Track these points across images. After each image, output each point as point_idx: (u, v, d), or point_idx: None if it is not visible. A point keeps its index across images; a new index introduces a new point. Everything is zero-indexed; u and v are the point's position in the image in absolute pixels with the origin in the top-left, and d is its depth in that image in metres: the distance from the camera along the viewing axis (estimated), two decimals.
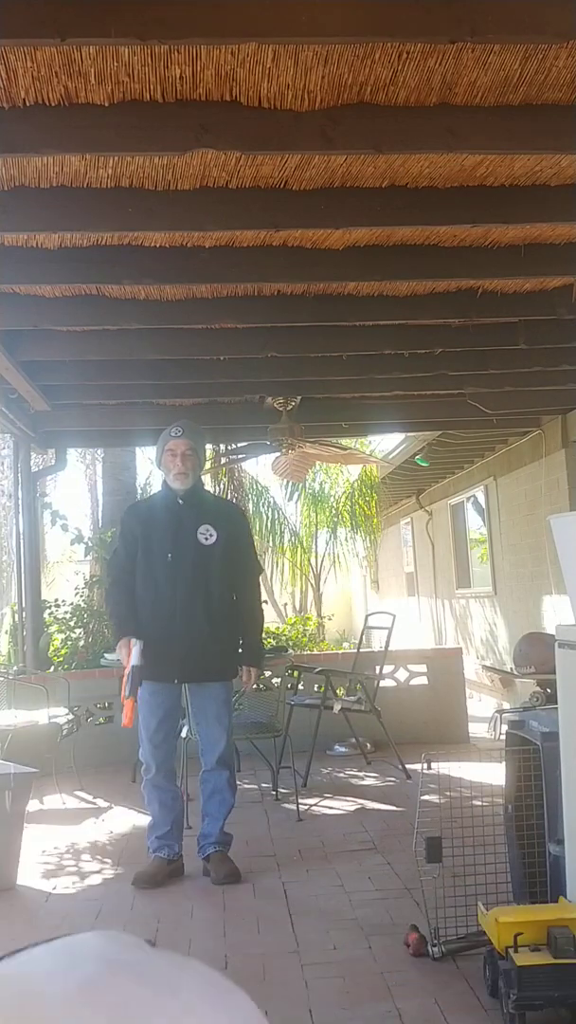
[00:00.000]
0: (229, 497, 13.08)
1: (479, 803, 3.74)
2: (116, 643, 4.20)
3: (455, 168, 3.66)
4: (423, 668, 7.68)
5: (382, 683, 7.10)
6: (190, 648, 4.10)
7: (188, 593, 4.12)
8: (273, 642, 9.09)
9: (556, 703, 2.90)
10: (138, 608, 4.17)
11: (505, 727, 3.47)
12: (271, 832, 4.92)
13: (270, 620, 13.82)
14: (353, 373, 6.15)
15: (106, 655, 7.67)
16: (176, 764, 4.32)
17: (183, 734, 4.84)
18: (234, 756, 4.33)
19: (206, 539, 4.16)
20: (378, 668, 7.01)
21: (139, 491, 11.56)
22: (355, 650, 7.54)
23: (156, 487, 15.54)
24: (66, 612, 8.48)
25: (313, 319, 5.20)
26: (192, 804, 4.60)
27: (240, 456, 10.54)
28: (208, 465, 11.53)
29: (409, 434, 9.36)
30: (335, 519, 15.60)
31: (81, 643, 8.27)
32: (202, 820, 4.25)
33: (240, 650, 4.29)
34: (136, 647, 4.05)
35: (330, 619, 16.48)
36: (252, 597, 4.39)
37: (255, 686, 4.64)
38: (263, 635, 4.75)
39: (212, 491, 10.71)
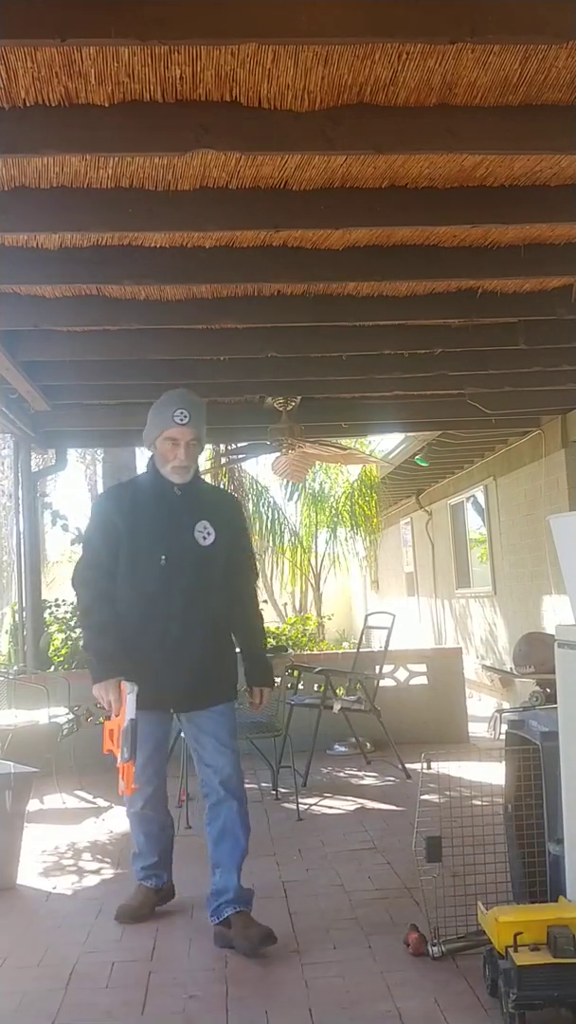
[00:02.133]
0: None
1: (479, 803, 3.73)
2: (98, 681, 3.37)
3: (455, 168, 3.66)
4: (423, 668, 7.69)
5: (382, 683, 7.11)
6: (190, 673, 3.42)
7: (186, 605, 3.42)
8: (273, 642, 9.10)
9: (556, 703, 2.90)
10: (122, 622, 3.43)
11: (505, 727, 3.47)
12: (271, 832, 4.92)
13: (270, 620, 13.86)
14: (353, 373, 6.15)
15: None
16: (179, 766, 4.23)
17: (183, 734, 4.77)
18: (243, 785, 3.53)
19: (204, 538, 3.46)
20: (378, 668, 7.02)
21: None
22: (355, 650, 7.55)
23: None
24: (66, 612, 8.48)
25: (313, 319, 5.21)
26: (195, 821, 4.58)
27: (240, 456, 10.55)
28: (207, 465, 11.57)
29: (409, 434, 9.37)
30: (335, 519, 15.61)
31: (81, 643, 8.26)
32: (212, 873, 3.45)
33: (247, 666, 3.64)
34: (132, 694, 3.26)
35: (330, 619, 16.50)
36: (255, 607, 3.76)
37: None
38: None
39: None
